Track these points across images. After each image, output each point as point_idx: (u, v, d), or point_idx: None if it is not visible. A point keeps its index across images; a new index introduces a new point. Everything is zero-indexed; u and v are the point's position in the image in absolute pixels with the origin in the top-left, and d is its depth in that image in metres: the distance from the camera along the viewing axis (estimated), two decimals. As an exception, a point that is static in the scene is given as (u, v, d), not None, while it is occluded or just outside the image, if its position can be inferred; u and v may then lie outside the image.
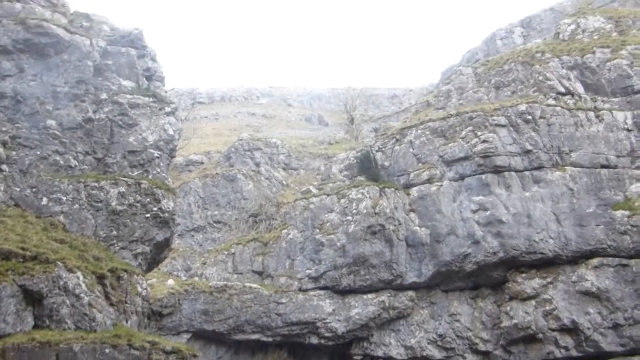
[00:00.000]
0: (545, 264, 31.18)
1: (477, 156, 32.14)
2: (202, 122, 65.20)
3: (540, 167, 32.03)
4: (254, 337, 31.87)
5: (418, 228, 32.59)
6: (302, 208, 35.66)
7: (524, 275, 31.43)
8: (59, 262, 16.61)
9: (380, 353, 33.09)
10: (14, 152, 21.54)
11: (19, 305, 14.97)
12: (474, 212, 31.70)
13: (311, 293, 32.60)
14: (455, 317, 32.55)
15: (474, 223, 31.47)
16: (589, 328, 29.47)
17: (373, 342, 33.05)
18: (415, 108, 48.79)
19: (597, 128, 32.62)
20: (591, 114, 33.14)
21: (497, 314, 31.78)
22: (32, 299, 15.36)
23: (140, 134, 24.98)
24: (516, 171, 32.00)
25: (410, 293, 32.94)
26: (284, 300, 31.99)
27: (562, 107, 33.14)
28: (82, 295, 16.66)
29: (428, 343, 32.54)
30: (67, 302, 16.09)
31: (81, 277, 17.10)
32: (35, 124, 22.47)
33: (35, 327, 15.28)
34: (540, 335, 29.95)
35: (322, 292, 32.66)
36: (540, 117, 32.57)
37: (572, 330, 29.68)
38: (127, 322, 18.89)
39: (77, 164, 23.20)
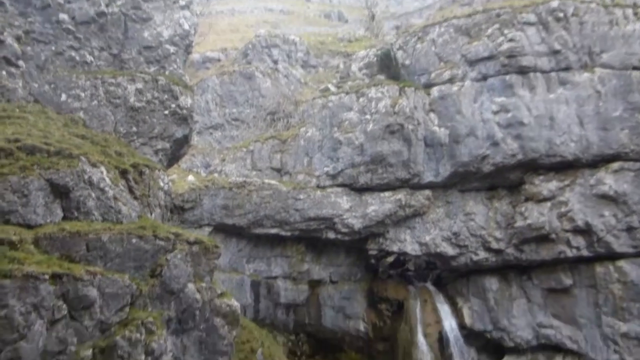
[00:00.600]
0: (564, 167, 31.05)
1: (502, 56, 31.08)
2: (218, 18, 63.45)
3: (567, 69, 30.94)
4: (273, 231, 32.99)
5: (437, 128, 32.33)
6: (320, 106, 35.41)
7: (541, 177, 31.46)
8: (82, 157, 16.94)
9: (395, 249, 34.21)
10: (28, 48, 21.33)
11: (47, 198, 15.50)
12: (495, 113, 31.21)
13: (329, 190, 33.19)
14: (470, 216, 33.13)
15: (494, 125, 31.09)
16: (602, 230, 29.86)
17: (388, 238, 34.06)
18: (439, 4, 46.76)
19: (634, 27, 30.96)
20: (629, 11, 31.34)
21: (512, 214, 32.23)
22: (59, 192, 15.86)
23: (155, 28, 24.46)
24: (542, 72, 30.99)
25: (427, 192, 33.36)
26: (302, 197, 32.68)
27: (598, 4, 31.33)
28: (106, 188, 17.15)
29: (442, 240, 33.43)
30: (93, 195, 16.60)
31: (105, 172, 17.51)
32: (47, 17, 22.04)
33: (64, 218, 15.90)
34: (553, 236, 30.51)
35: (339, 189, 33.24)
36: (573, 15, 30.95)
37: (585, 231, 30.12)
38: (151, 214, 19.58)
39: (92, 60, 22.99)
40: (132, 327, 15.12)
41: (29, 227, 14.75)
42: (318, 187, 33.36)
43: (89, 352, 14.10)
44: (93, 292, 14.46)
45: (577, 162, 30.61)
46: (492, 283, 33.33)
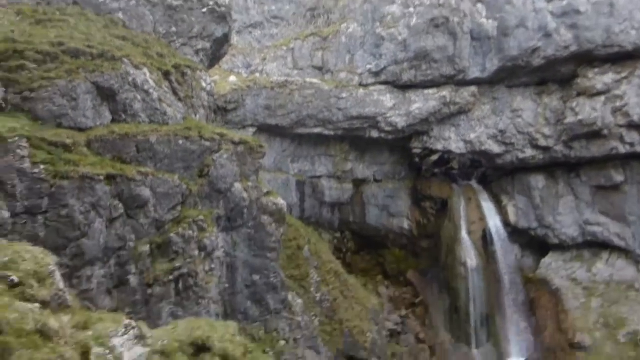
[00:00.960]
0: (622, 59, 29.25)
1: None
2: None
3: (632, -53, 28.22)
4: (316, 130, 32.96)
5: (485, 20, 30.60)
6: (361, 1, 33.82)
7: (596, 70, 29.82)
8: (124, 59, 16.89)
9: (439, 147, 33.86)
10: (63, -55, 20.74)
11: (95, 101, 15.69)
12: (549, 1, 29.17)
13: (371, 88, 32.51)
14: (518, 113, 32.14)
15: (548, 14, 29.15)
16: (659, 124, 28.60)
17: (433, 136, 33.63)
18: None
19: None
20: None
21: (562, 110, 31.05)
22: (106, 95, 16.02)
23: None
24: (603, -48, 28.43)
25: (473, 89, 32.31)
26: (344, 95, 32.20)
27: None
28: (151, 90, 17.21)
29: (488, 138, 32.80)
30: (139, 97, 16.72)
31: (148, 74, 17.49)
32: None
33: (113, 121, 16.18)
34: (606, 132, 29.42)
35: (382, 87, 32.52)
36: None
37: (640, 126, 28.93)
38: (195, 116, 19.73)
39: (128, -44, 22.26)
40: (185, 224, 15.77)
41: (80, 130, 15.10)
42: (360, 85, 32.68)
43: (147, 247, 14.87)
44: (146, 192, 14.99)
45: (637, 52, 28.72)
46: (538, 181, 32.93)
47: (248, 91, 31.45)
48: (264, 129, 32.43)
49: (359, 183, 36.25)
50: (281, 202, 19.50)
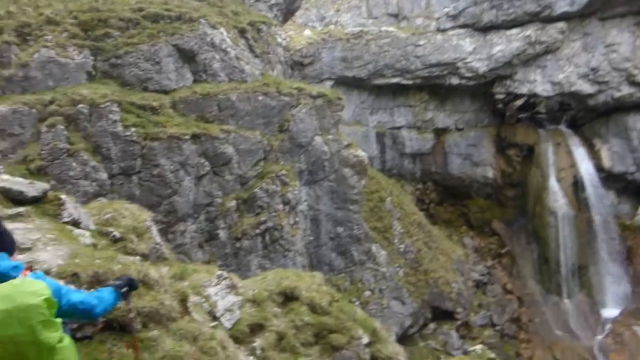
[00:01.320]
0: None
1: None
2: None
3: None
4: (394, 80, 32.25)
5: (574, -53, 28.14)
6: (437, -61, 32.11)
7: None
8: (202, 20, 17.17)
9: (524, 91, 32.16)
10: None
11: (177, 63, 16.17)
12: None
13: (450, 33, 31.18)
14: (613, 47, 29.72)
15: None
16: None
17: (517, 80, 31.95)
18: None
19: None
20: None
21: (664, 40, 28.39)
22: (186, 56, 16.44)
23: None
24: None
25: (560, 25, 30.12)
26: (421, 42, 31.13)
27: None
28: (228, 49, 17.46)
29: (578, 78, 30.71)
30: (217, 57, 17.03)
31: (224, 33, 17.71)
32: None
33: (194, 82, 16.63)
34: None
35: (461, 30, 31.07)
36: None
37: None
38: (272, 71, 19.87)
39: None
40: (268, 179, 16.16)
41: (165, 92, 15.67)
42: (438, 30, 31.42)
43: (233, 203, 15.41)
44: (229, 149, 15.43)
45: None
46: (636, 121, 30.62)
47: (323, 44, 31.12)
48: (341, 82, 32.13)
49: (440, 132, 35.36)
50: (362, 154, 19.46)
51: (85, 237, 9.72)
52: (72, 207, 10.49)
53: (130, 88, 15.18)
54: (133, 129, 14.06)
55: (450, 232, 33.50)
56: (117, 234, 10.39)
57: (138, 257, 9.91)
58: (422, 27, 31.81)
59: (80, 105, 13.78)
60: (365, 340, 10.52)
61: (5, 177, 11.07)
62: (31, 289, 2.94)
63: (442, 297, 24.29)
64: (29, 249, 8.39)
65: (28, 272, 3.36)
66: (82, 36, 15.48)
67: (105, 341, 6.99)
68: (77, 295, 3.52)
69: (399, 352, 11.53)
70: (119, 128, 13.97)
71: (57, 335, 2.92)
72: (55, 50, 14.74)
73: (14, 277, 3.17)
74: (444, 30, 31.36)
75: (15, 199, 10.02)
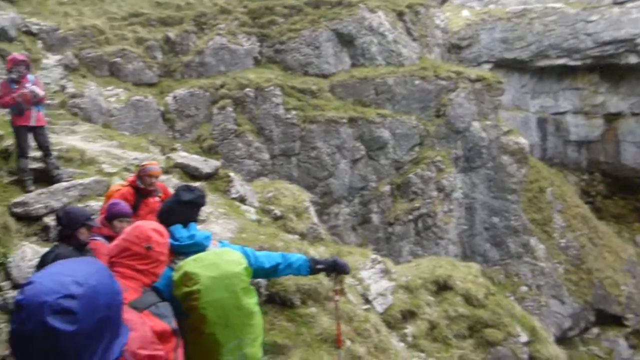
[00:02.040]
0: None
1: None
2: None
3: None
4: (560, 62, 29.79)
5: None
6: None
7: None
8: (360, 4, 17.26)
9: None
10: None
11: (336, 47, 16.47)
12: None
13: (629, 5, 27.90)
14: None
15: None
16: None
17: None
18: None
19: None
20: None
21: None
22: (345, 41, 16.66)
23: None
24: None
25: None
26: (594, 18, 28.26)
27: None
28: (386, 33, 17.36)
29: None
30: (375, 40, 17.03)
31: (382, 16, 17.63)
32: None
33: (352, 66, 16.82)
34: None
35: (645, 4, 27.68)
36: None
37: None
38: (430, 54, 19.40)
39: None
40: (423, 165, 15.89)
41: (324, 76, 16.06)
42: (614, 3, 28.29)
43: (387, 187, 15.41)
44: (385, 133, 15.41)
45: None
46: None
47: (482, 24, 29.67)
48: (501, 65, 30.46)
49: (611, 118, 32.04)
50: (523, 140, 18.32)
51: (251, 213, 10.37)
52: (239, 185, 11.25)
53: (291, 72, 15.80)
54: (293, 112, 14.63)
55: (620, 229, 30.37)
56: (277, 212, 10.94)
57: (297, 236, 10.34)
58: (595, 0, 28.92)
59: (247, 89, 14.67)
60: (524, 338, 9.96)
61: (183, 154, 12.19)
62: (232, 258, 3.17)
63: (609, 299, 22.17)
64: (203, 221, 9.17)
65: (216, 242, 3.62)
66: (250, 24, 16.44)
67: (267, 313, 7.40)
68: (262, 256, 3.74)
69: (559, 354, 10.77)
70: (281, 111, 14.62)
71: (254, 302, 3.15)
72: (227, 37, 15.83)
73: (207, 246, 3.43)
74: (621, 3, 28.19)
75: (192, 174, 10.99)
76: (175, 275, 3.08)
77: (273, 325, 7.45)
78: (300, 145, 14.62)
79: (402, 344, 9.05)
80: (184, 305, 3.01)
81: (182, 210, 3.50)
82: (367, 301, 9.41)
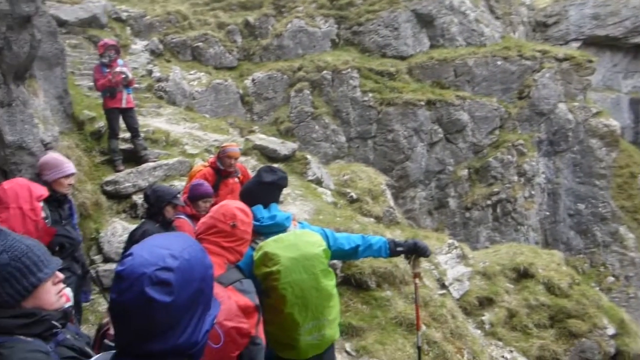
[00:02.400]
0: None
1: None
2: None
3: None
4: (658, 39, 27.75)
5: None
6: None
7: None
8: (441, -18, 16.76)
9: None
10: None
11: (414, 28, 16.14)
12: None
13: None
14: None
15: None
16: None
17: None
18: None
19: None
20: None
21: None
22: (424, 21, 16.28)
23: None
24: None
25: None
26: (701, -8, 26.03)
27: None
28: (467, 12, 16.79)
29: None
30: (455, 20, 16.52)
31: (465, -6, 17.06)
32: None
33: (431, 47, 16.44)
34: None
35: None
36: None
37: None
38: (514, 33, 18.61)
39: None
40: (503, 148, 15.35)
41: (402, 58, 15.80)
42: None
43: (465, 171, 15.04)
44: (464, 116, 15.00)
45: None
46: None
47: (571, 0, 28.06)
48: (590, 42, 28.68)
49: None
50: (614, 123, 17.26)
51: (327, 195, 10.47)
52: (315, 167, 11.37)
53: (369, 54, 15.66)
54: (370, 95, 14.53)
55: None
56: (354, 194, 10.98)
57: (372, 219, 10.34)
58: (701, -29, 26.58)
59: (324, 72, 14.70)
60: (611, 331, 9.49)
61: (262, 136, 12.46)
62: (312, 240, 3.22)
63: None
64: (281, 202, 9.35)
65: (296, 223, 3.68)
66: (328, 6, 16.41)
67: (342, 295, 7.48)
68: (342, 237, 3.77)
69: (649, 349, 10.19)
70: (358, 93, 14.56)
71: (333, 284, 3.20)
72: (305, 20, 15.89)
73: (287, 227, 3.50)
74: None
75: (270, 156, 11.23)
76: (256, 255, 3.17)
77: (348, 307, 7.53)
78: (377, 128, 14.52)
79: (478, 331, 8.89)
80: (263, 284, 3.10)
81: (263, 191, 3.58)
82: (443, 286, 9.29)
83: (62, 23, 12.89)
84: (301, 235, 3.27)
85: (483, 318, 9.34)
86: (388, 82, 14.80)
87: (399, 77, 15.05)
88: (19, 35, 7.02)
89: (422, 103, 14.47)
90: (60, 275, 2.03)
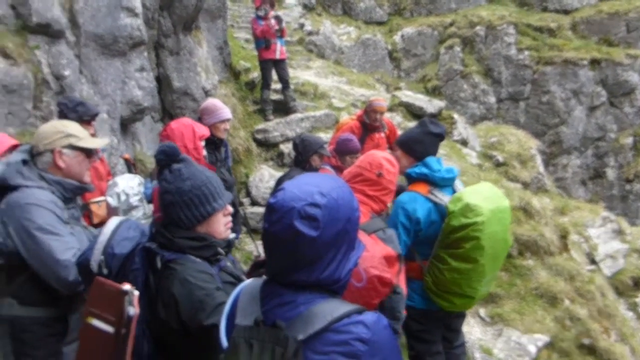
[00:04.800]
0: None
1: None
2: None
3: None
4: None
5: None
6: None
7: None
8: None
9: None
10: None
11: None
12: None
13: None
14: None
15: None
16: None
17: None
18: None
19: None
20: None
21: None
22: (596, -30, 14.72)
23: None
24: None
25: None
26: None
27: None
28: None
29: None
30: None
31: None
32: None
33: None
34: None
35: None
36: None
37: None
38: None
39: None
40: (680, 116, 13.63)
41: (565, 12, 14.49)
42: None
43: (630, 139, 13.63)
44: (634, 78, 13.48)
45: None
46: None
47: None
48: None
49: None
50: None
51: (472, 157, 10.14)
52: (461, 127, 11.01)
53: (528, 8, 14.55)
54: (526, 53, 13.59)
55: None
56: (500, 158, 10.51)
57: (519, 184, 9.86)
58: None
59: (477, 27, 13.97)
60: None
61: (408, 93, 12.30)
62: (500, 193, 3.35)
63: None
64: (422, 161, 9.26)
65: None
66: (486, -44, 15.44)
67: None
68: None
69: None
70: (512, 51, 13.70)
71: (511, 239, 3.28)
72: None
73: (454, 182, 3.55)
74: None
75: (415, 113, 11.07)
76: (454, 206, 3.21)
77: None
78: (531, 88, 13.60)
79: (630, 313, 8.22)
80: (458, 234, 3.16)
81: (430, 141, 3.58)
82: (593, 262, 8.68)
83: (223, -22, 13.58)
84: (491, 188, 3.35)
85: (637, 300, 8.62)
86: (547, 39, 13.69)
87: (560, 34, 13.84)
88: (188, -13, 7.57)
89: (585, 62, 13.22)
90: (230, 209, 2.24)
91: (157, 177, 2.17)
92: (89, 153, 2.78)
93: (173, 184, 2.09)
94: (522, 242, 7.70)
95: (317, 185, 1.52)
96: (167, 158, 2.17)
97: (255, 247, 6.21)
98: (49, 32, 5.19)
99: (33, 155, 2.71)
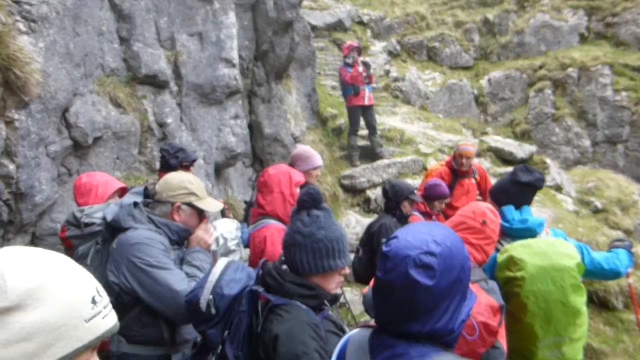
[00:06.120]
0: None
1: None
2: None
3: None
4: None
5: None
6: None
7: None
8: None
9: None
10: None
11: (685, 16, 13.89)
12: None
13: None
14: None
15: None
16: None
17: None
18: None
19: None
20: None
21: None
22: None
23: None
24: None
25: None
26: None
27: None
28: None
29: None
30: None
31: None
32: None
33: None
34: None
35: None
36: None
37: None
38: None
39: None
40: None
41: (667, 51, 13.76)
42: None
43: None
44: None
45: None
46: None
47: None
48: None
49: None
50: None
51: (568, 203, 9.67)
52: (555, 172, 10.58)
53: (624, 48, 13.92)
54: (624, 93, 12.94)
55: None
56: (598, 204, 9.94)
57: (621, 232, 9.24)
58: None
59: (570, 69, 13.50)
60: None
61: (496, 137, 12.02)
62: (565, 251, 3.00)
63: None
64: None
65: (549, 231, 3.48)
66: (577, -3, 15.05)
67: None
68: (597, 254, 3.47)
69: None
70: (608, 92, 13.09)
71: (583, 301, 2.94)
72: (550, 14, 14.80)
73: (538, 233, 3.32)
74: None
75: (505, 158, 10.78)
76: (500, 258, 3.07)
77: (589, 327, 6.88)
78: (630, 130, 12.86)
79: None
80: (504, 289, 2.99)
81: (517, 191, 3.45)
82: None
83: (312, 28, 14.12)
84: (554, 244, 3.06)
85: None
86: (647, 79, 13.01)
87: (661, 74, 13.11)
88: (282, 39, 7.92)
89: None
90: (347, 271, 2.24)
91: (292, 217, 2.23)
92: (202, 211, 2.92)
93: (308, 227, 2.12)
94: (629, 294, 7.17)
95: (430, 234, 1.51)
96: (310, 202, 2.19)
97: (342, 295, 6.18)
98: (155, 82, 5.58)
99: (146, 196, 2.88)
